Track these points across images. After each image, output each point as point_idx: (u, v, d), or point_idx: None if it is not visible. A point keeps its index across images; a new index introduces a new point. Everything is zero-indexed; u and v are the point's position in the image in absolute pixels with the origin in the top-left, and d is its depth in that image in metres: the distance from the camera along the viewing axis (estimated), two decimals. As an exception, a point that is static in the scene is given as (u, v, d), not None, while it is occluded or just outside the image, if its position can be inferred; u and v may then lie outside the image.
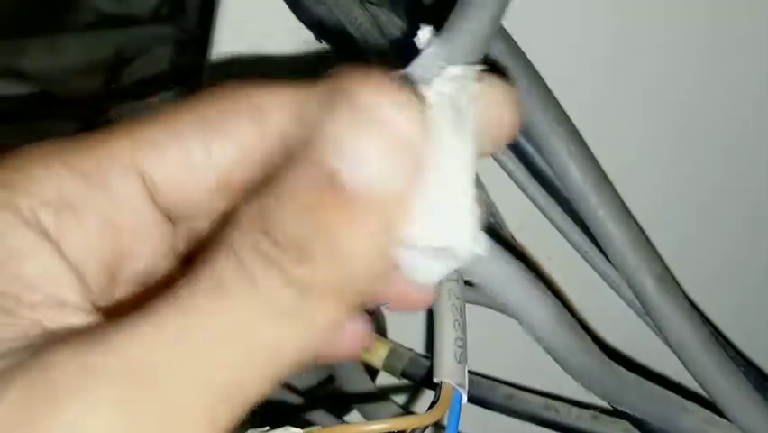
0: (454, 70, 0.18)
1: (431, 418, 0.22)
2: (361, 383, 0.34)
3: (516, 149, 0.32)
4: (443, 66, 0.18)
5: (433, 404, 0.23)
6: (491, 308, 0.32)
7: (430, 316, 0.29)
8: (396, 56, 0.30)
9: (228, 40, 0.33)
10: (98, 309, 0.18)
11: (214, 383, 0.16)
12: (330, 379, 0.38)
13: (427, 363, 0.35)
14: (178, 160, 0.19)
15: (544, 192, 0.32)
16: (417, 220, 0.17)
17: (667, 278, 0.30)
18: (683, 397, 0.29)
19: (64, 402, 0.15)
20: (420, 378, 0.35)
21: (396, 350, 0.35)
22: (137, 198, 0.18)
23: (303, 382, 0.39)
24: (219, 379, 0.16)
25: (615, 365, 0.26)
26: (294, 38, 0.32)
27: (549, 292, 0.22)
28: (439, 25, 0.20)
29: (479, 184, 0.18)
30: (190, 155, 0.19)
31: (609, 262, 0.30)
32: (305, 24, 0.32)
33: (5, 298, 0.17)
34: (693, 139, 0.38)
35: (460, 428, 0.23)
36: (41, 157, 0.18)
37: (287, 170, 0.17)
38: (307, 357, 0.17)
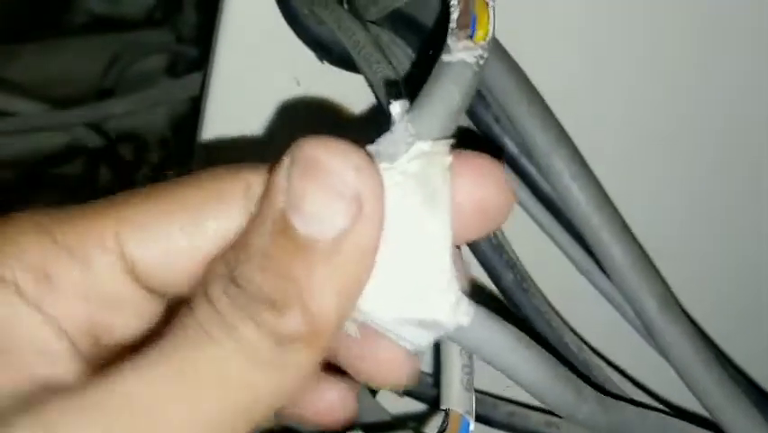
0: (423, 146, 0.18)
1: (440, 446, 0.22)
2: (371, 411, 0.34)
3: (517, 169, 0.32)
4: (412, 142, 0.18)
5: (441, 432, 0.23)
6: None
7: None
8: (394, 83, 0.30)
9: (227, 69, 0.33)
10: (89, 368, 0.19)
11: (200, 422, 0.17)
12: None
13: (430, 379, 0.35)
14: (161, 244, 0.19)
15: (545, 212, 0.32)
16: (393, 292, 0.18)
17: (669, 299, 0.30)
18: (688, 421, 0.29)
19: None
20: (424, 396, 0.35)
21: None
22: (117, 274, 0.19)
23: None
24: (205, 418, 0.17)
25: (614, 403, 0.27)
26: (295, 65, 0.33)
27: (542, 350, 0.23)
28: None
29: (465, 257, 0.19)
30: (173, 240, 0.19)
31: (612, 282, 0.30)
32: (305, 44, 0.32)
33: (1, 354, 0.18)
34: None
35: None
36: (28, 227, 0.19)
37: (250, 224, 0.18)
38: (283, 402, 0.18)
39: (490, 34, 0.20)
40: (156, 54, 0.75)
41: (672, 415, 0.29)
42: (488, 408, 0.34)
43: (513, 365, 0.22)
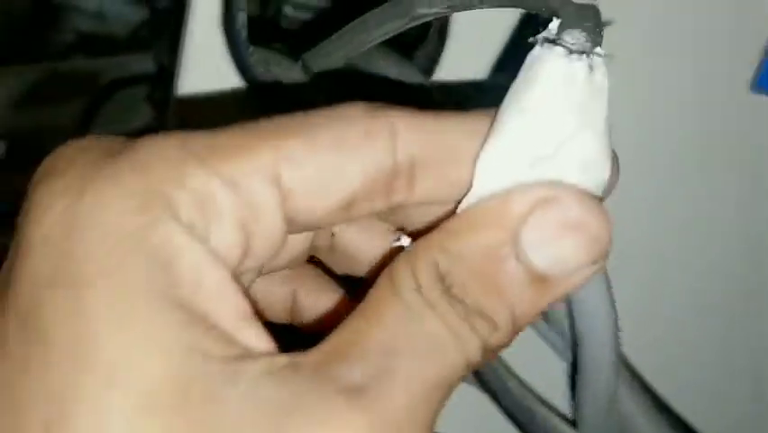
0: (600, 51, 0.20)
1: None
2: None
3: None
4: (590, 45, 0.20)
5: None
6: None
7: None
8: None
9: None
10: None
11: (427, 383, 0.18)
12: None
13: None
14: (313, 176, 0.19)
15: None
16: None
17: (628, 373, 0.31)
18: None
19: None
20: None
21: None
22: (272, 205, 0.19)
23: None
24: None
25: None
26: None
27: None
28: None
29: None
30: (325, 173, 0.19)
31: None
32: (255, 91, 0.33)
33: (207, 318, 0.17)
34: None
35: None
36: (188, 160, 0.18)
37: (467, 237, 0.19)
38: None
39: None
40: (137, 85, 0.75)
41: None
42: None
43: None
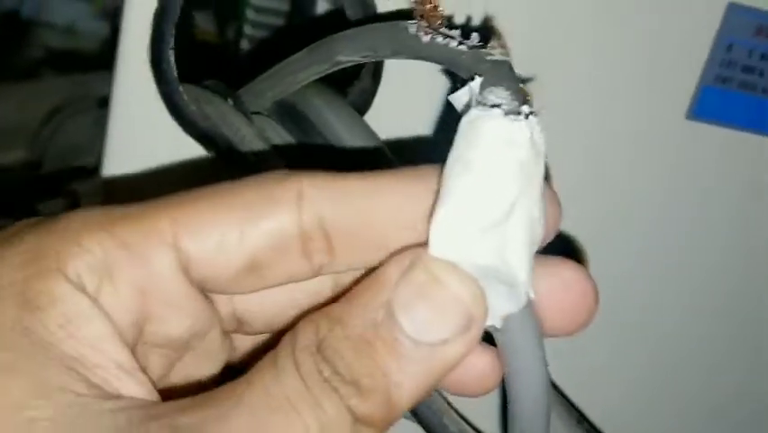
0: (526, 108, 0.20)
1: None
2: None
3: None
4: (517, 103, 0.20)
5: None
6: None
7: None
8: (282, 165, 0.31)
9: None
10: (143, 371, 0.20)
11: None
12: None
13: None
14: (214, 242, 0.20)
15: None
16: (483, 236, 0.19)
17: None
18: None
19: None
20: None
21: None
22: (170, 270, 0.20)
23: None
24: None
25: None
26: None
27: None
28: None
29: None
30: (225, 239, 0.20)
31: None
32: (192, 138, 0.33)
33: (73, 361, 0.18)
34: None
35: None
36: (87, 225, 0.19)
37: (350, 302, 0.20)
38: None
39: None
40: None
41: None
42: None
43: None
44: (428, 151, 0.36)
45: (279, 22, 0.54)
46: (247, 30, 0.56)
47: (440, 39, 0.22)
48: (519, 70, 0.21)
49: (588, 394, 0.39)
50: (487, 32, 0.22)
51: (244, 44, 0.57)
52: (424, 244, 0.20)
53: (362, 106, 0.35)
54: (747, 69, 0.38)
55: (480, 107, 0.20)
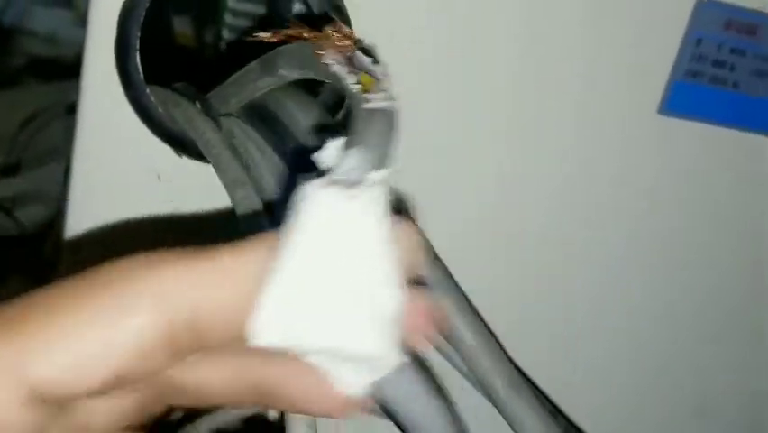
0: (377, 175, 0.19)
1: None
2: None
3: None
4: (366, 171, 0.19)
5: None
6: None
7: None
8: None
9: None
10: None
11: None
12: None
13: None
14: (68, 363, 0.18)
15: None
16: (328, 319, 0.18)
17: (515, 378, 0.31)
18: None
19: None
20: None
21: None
22: (13, 399, 0.18)
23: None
24: None
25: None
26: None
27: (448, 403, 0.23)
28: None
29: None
30: (79, 358, 0.19)
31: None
32: (162, 140, 0.33)
33: None
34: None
35: None
36: None
37: None
38: None
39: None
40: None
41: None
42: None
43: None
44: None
45: (256, 25, 0.54)
46: (225, 33, 0.56)
47: (338, 68, 0.21)
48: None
49: (574, 396, 0.39)
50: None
51: (223, 47, 0.56)
52: None
53: (333, 107, 0.34)
54: (717, 64, 0.38)
55: (319, 182, 0.18)
